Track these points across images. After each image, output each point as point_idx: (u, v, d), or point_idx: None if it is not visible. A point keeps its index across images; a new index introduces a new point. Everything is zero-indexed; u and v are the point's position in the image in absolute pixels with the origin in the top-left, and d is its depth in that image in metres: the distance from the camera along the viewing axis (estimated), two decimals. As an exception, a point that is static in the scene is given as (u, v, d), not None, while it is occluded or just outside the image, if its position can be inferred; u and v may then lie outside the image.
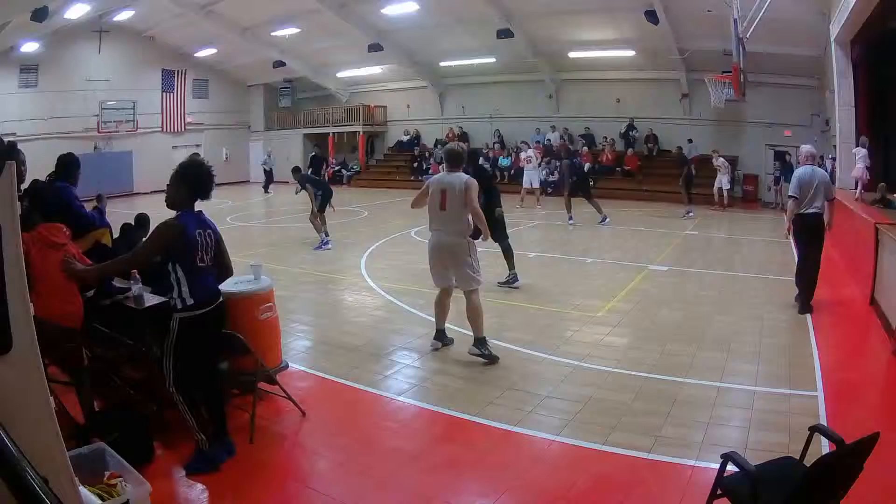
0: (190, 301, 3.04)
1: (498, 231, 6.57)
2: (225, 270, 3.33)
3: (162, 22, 18.51)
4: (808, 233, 6.01)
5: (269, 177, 20.80)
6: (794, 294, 6.28)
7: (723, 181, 14.41)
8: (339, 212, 11.86)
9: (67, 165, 4.33)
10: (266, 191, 20.36)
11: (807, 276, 6.10)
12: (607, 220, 11.87)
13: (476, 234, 4.75)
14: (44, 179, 4.40)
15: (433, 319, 5.05)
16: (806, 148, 6.42)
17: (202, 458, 3.13)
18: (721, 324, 5.70)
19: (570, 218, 11.96)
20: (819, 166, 14.17)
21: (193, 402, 3.16)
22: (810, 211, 5.90)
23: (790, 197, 6.08)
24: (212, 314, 3.14)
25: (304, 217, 10.90)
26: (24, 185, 3.88)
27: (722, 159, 14.41)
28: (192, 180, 3.14)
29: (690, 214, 13.13)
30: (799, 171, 6.07)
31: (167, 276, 3.08)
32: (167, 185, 3.17)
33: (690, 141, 17.01)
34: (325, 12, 16.38)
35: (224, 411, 3.36)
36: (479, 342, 4.64)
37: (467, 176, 4.63)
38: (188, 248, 3.03)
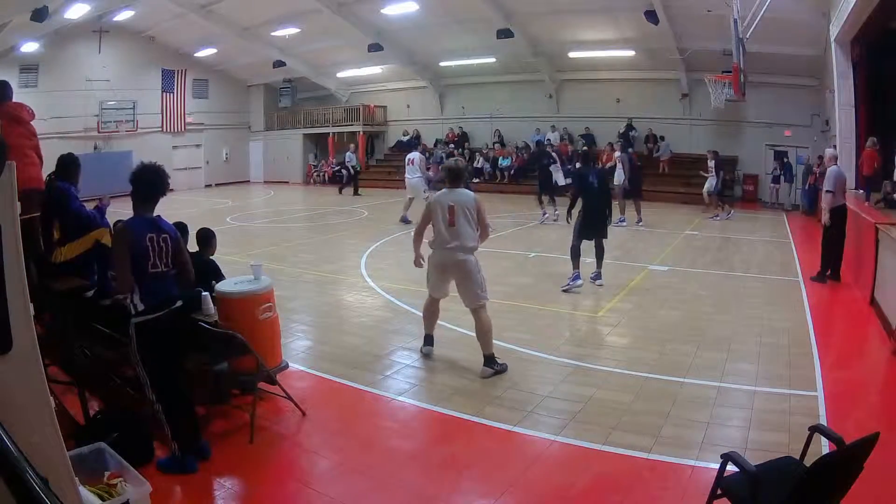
0: (141, 306, 3.02)
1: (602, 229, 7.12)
2: (182, 275, 3.25)
3: (162, 22, 18.48)
4: (842, 220, 7.23)
5: (352, 176, 19.25)
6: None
7: (711, 183, 13.35)
8: (340, 212, 11.87)
9: (67, 165, 4.33)
10: (355, 192, 18.45)
11: (836, 251, 7.36)
12: (625, 222, 11.86)
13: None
14: (45, 179, 4.40)
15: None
16: (830, 151, 8.20)
17: (174, 463, 3.12)
18: (721, 324, 5.70)
19: (640, 220, 11.87)
20: (818, 166, 14.20)
21: (171, 408, 3.12)
22: (843, 202, 7.23)
23: (828, 192, 7.21)
24: (166, 319, 3.09)
25: (303, 217, 10.91)
26: None
27: (714, 161, 13.36)
28: (140, 185, 3.14)
29: (718, 218, 12.71)
30: (835, 170, 7.26)
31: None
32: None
33: (662, 138, 17.00)
34: (325, 12, 16.36)
35: (193, 413, 3.31)
36: (489, 360, 4.45)
37: (474, 193, 4.63)
38: (137, 255, 3.00)
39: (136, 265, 3.01)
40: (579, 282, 6.85)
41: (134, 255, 3.01)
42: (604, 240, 7.15)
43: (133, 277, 3.01)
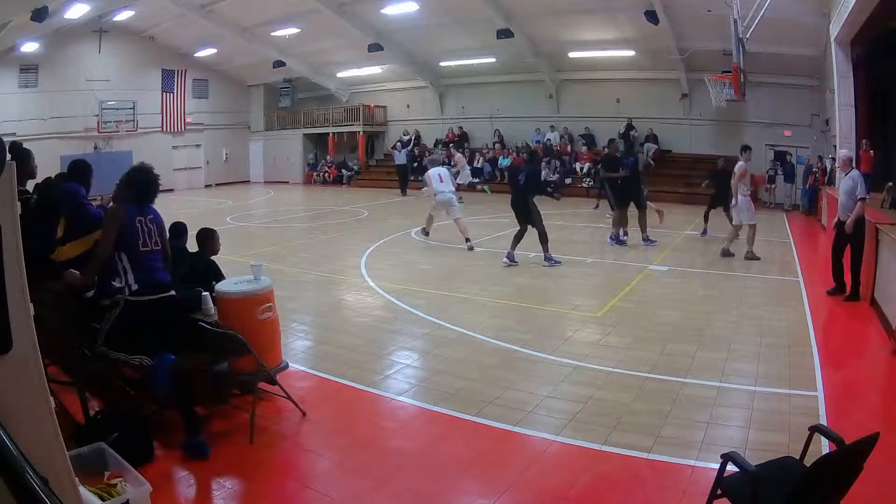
0: (135, 286, 3.26)
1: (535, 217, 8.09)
2: (162, 250, 3.51)
3: (162, 22, 18.49)
4: (863, 229, 6.31)
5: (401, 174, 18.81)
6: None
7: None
8: (340, 212, 11.86)
9: (79, 171, 4.31)
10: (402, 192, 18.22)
11: (855, 264, 6.35)
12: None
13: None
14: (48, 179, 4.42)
15: (433, 319, 5.11)
16: (845, 152, 7.41)
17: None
18: (721, 324, 5.69)
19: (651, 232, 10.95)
20: (818, 166, 14.11)
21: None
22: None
23: (861, 199, 6.16)
24: (157, 304, 3.29)
25: (304, 217, 10.90)
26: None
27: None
28: (137, 185, 3.42)
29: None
30: (860, 174, 6.32)
31: (115, 266, 3.31)
32: (116, 183, 3.50)
33: (648, 139, 16.95)
34: (325, 12, 16.36)
35: (192, 409, 3.33)
36: None
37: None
38: (129, 234, 3.27)
39: (127, 245, 3.27)
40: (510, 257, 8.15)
41: (125, 236, 3.26)
42: (540, 229, 8.06)
43: (127, 258, 3.26)
